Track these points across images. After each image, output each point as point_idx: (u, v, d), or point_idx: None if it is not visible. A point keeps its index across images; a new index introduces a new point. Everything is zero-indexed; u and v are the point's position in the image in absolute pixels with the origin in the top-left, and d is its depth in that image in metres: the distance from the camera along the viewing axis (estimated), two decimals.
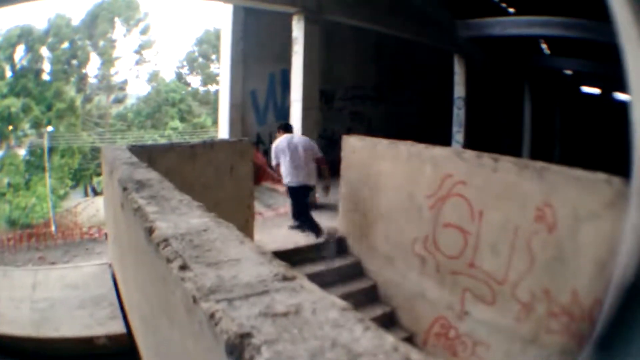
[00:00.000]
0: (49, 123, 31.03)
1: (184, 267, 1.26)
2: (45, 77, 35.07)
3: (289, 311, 1.03)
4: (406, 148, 5.48)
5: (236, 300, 1.07)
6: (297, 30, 8.64)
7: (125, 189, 2.42)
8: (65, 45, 35.65)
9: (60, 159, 31.16)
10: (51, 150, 29.91)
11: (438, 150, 5.21)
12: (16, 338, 4.09)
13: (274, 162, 7.46)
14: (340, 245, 6.44)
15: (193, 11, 60.99)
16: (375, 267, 5.96)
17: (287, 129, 7.86)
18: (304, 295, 1.12)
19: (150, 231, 1.59)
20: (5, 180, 29.27)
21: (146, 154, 4.07)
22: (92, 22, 36.12)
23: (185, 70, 39.74)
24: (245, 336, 0.92)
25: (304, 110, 8.37)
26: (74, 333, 4.11)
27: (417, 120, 13.53)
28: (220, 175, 5.09)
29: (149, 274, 1.80)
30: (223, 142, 6.97)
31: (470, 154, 4.78)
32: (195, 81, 39.87)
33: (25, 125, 32.40)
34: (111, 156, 3.95)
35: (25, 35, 34.19)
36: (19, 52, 34.43)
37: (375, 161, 5.94)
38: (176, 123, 34.75)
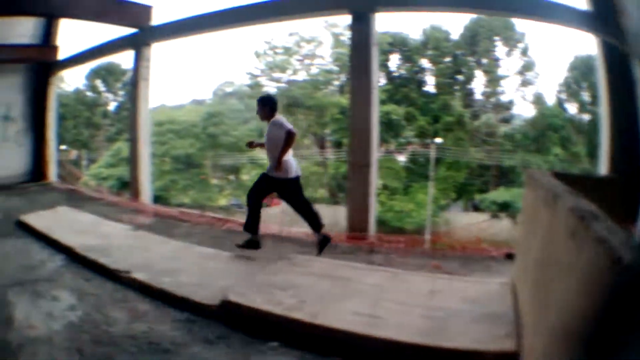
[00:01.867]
0: (435, 134, 32.77)
1: None
2: (428, 88, 37.19)
3: None
4: None
5: None
6: None
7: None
8: (447, 59, 37.34)
9: (446, 171, 32.83)
10: (437, 161, 31.57)
11: None
12: (398, 343, 4.34)
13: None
14: None
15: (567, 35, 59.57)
16: None
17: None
18: None
19: None
20: (380, 182, 31.63)
21: (565, 181, 4.18)
22: (472, 38, 37.39)
23: (564, 96, 38.97)
24: None
25: None
26: (464, 346, 4.24)
27: None
28: None
29: None
30: None
31: None
32: (572, 108, 38.94)
33: (408, 134, 34.72)
34: (547, 182, 4.23)
35: (399, 44, 36.72)
36: (393, 59, 37.03)
37: None
38: (558, 150, 34.13)
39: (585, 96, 37.40)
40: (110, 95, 52.50)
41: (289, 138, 7.34)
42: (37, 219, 10.50)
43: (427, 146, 33.47)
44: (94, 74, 50.99)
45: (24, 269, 7.68)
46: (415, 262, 7.37)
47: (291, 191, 7.81)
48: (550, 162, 32.81)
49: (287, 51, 40.25)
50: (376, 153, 9.50)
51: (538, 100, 38.69)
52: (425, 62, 38.41)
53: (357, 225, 9.16)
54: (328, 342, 4.66)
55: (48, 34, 17.72)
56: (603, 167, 10.64)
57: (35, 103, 18.04)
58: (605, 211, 2.77)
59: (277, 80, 41.00)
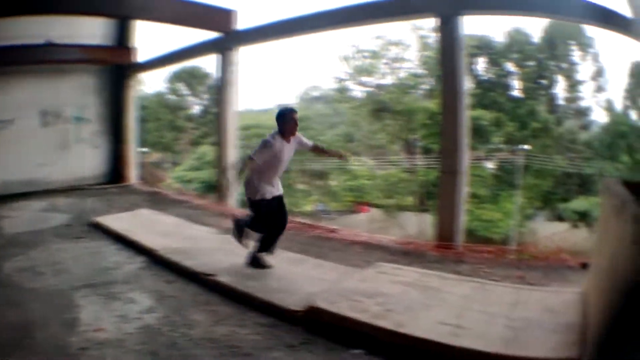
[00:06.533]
0: (523, 141, 32.41)
1: None
2: (514, 93, 36.78)
3: None
4: None
5: None
6: None
7: None
8: (530, 63, 36.78)
9: (533, 180, 32.44)
10: (524, 169, 31.26)
11: None
12: (479, 353, 4.52)
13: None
14: None
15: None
16: None
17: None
18: None
19: None
20: (469, 190, 31.29)
21: (635, 189, 4.24)
22: (551, 42, 36.70)
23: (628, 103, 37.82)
24: None
25: None
26: (543, 354, 4.40)
27: None
28: None
29: None
30: None
31: None
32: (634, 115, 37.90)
33: (497, 140, 34.34)
34: (617, 190, 4.39)
35: (485, 48, 36.31)
36: (479, 63, 36.69)
37: None
38: (625, 157, 33.25)
39: None
40: (193, 99, 53.47)
41: None
42: (114, 221, 10.86)
43: (515, 153, 33.07)
44: (176, 77, 52.04)
45: (97, 271, 7.93)
46: (501, 273, 7.46)
47: None
48: (620, 170, 31.97)
49: (374, 55, 39.99)
50: (466, 160, 9.51)
51: (609, 106, 37.90)
52: (510, 66, 37.83)
53: (445, 235, 9.28)
54: (412, 351, 4.83)
55: (122, 35, 18.44)
56: None
57: (112, 105, 18.73)
58: None
59: (365, 84, 41.00)
